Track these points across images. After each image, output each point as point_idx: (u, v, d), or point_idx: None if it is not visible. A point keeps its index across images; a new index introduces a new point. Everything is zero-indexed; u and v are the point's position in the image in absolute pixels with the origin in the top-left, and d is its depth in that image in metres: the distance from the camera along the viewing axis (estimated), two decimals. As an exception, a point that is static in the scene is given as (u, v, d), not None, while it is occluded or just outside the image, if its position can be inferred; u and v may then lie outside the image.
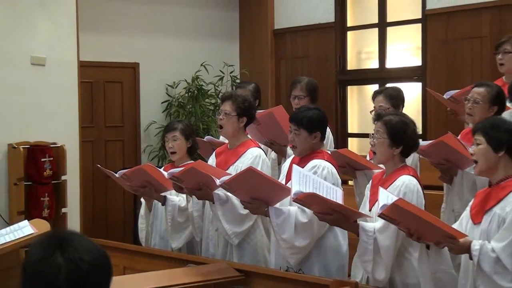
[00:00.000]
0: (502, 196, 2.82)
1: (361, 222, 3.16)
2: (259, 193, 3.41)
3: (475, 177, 3.61)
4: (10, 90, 5.54)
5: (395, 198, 2.84)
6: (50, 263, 1.40)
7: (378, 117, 3.32)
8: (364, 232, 3.10)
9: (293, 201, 3.16)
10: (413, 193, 3.13)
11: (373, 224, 3.14)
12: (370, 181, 3.46)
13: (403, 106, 4.37)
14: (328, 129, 4.08)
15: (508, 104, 4.11)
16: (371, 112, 4.08)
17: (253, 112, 4.02)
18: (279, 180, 3.69)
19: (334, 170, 3.53)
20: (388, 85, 4.98)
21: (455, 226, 2.97)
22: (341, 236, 3.53)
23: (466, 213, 3.01)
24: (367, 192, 3.41)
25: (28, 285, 1.43)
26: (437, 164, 3.76)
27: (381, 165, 3.44)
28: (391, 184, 3.17)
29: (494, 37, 5.49)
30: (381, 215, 2.87)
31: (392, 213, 2.82)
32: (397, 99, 4.29)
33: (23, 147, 5.50)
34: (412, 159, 3.93)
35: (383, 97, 4.27)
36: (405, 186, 3.13)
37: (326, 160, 3.53)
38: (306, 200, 3.10)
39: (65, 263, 1.40)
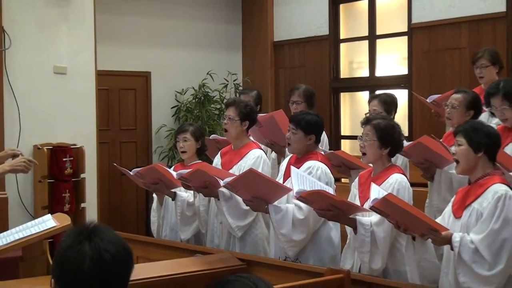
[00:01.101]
0: (480, 193, 2.82)
1: (358, 217, 3.15)
2: (259, 192, 3.41)
3: (452, 175, 3.63)
4: (35, 96, 5.55)
5: (385, 193, 2.85)
6: (77, 250, 1.42)
7: (366, 121, 3.32)
8: (361, 226, 3.10)
9: (297, 199, 3.15)
10: (405, 189, 3.15)
11: (369, 218, 3.13)
12: (356, 179, 3.46)
13: (395, 112, 4.36)
14: (324, 133, 4.09)
15: (485, 108, 4.12)
16: (366, 114, 4.09)
17: (255, 116, 4.02)
18: (277, 179, 3.69)
19: (328, 170, 3.54)
20: (380, 91, 4.97)
21: (438, 220, 2.97)
22: (333, 229, 3.54)
23: (448, 208, 3.01)
24: (354, 190, 3.41)
25: (57, 269, 1.44)
26: (417, 163, 3.78)
27: (370, 164, 3.45)
28: (383, 181, 3.17)
29: (472, 48, 5.50)
30: (372, 208, 2.88)
31: (382, 206, 2.83)
32: (390, 104, 4.29)
33: (46, 148, 5.50)
34: (402, 160, 3.95)
35: (377, 102, 4.27)
36: (398, 184, 3.15)
37: (320, 161, 3.55)
38: (310, 197, 3.09)
39: (91, 252, 1.41)
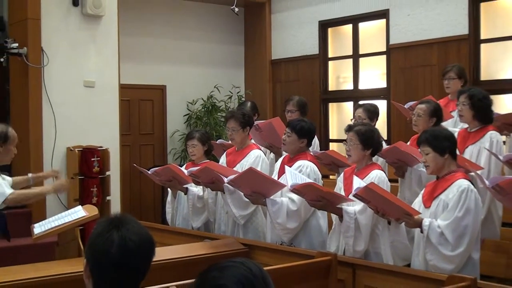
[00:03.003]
0: (446, 186, 2.86)
1: (343, 206, 3.15)
2: (258, 188, 3.42)
3: (420, 172, 3.66)
4: (68, 106, 5.57)
5: (365, 184, 2.87)
6: (106, 238, 1.41)
7: (349, 128, 3.33)
8: (347, 214, 3.11)
9: (291, 191, 3.16)
10: (383, 183, 3.16)
11: (353, 207, 3.14)
12: (342, 174, 3.47)
13: (376, 119, 4.35)
14: (315, 137, 4.12)
15: (453, 114, 4.16)
16: (351, 120, 4.09)
17: (252, 120, 4.04)
18: (273, 175, 3.68)
19: (316, 168, 3.55)
20: (364, 102, 5.00)
21: None
22: (322, 219, 3.55)
23: (419, 199, 3.04)
24: (340, 184, 3.42)
25: (89, 252, 1.44)
26: (392, 163, 3.80)
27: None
28: (365, 176, 3.18)
29: (441, 65, 5.53)
30: (355, 195, 2.89)
31: (365, 194, 2.85)
32: (373, 113, 4.30)
33: (77, 150, 5.51)
34: (382, 160, 3.96)
35: (362, 110, 4.28)
36: (378, 178, 3.16)
37: (309, 161, 3.56)
38: (302, 189, 3.11)
39: (118, 240, 1.40)
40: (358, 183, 2.91)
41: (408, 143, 3.93)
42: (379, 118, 4.55)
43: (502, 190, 2.35)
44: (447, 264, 2.75)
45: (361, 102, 4.70)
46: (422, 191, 3.06)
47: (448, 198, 2.82)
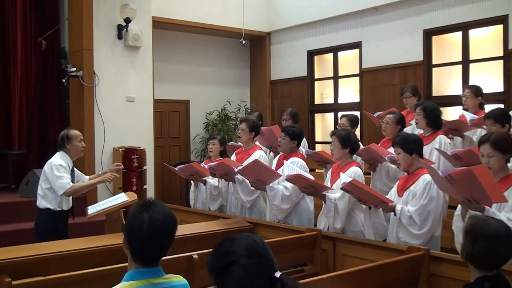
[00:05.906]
0: (415, 179, 2.85)
1: (327, 194, 3.17)
2: (260, 176, 3.44)
3: (388, 167, 3.65)
4: (114, 116, 5.58)
5: (351, 179, 2.89)
6: (138, 218, 1.39)
7: (332, 133, 3.35)
8: (328, 200, 3.13)
9: (286, 180, 3.18)
10: (359, 176, 3.16)
11: (334, 194, 3.15)
12: (330, 169, 3.49)
13: (357, 126, 4.36)
14: (304, 139, 4.13)
15: (411, 122, 4.16)
16: (337, 127, 4.07)
17: (259, 129, 4.04)
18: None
19: (304, 163, 3.55)
20: (344, 113, 4.97)
21: (387, 196, 2.97)
22: (309, 201, 3.55)
23: (394, 189, 3.02)
24: (328, 176, 3.45)
25: (126, 229, 1.43)
26: (366, 160, 3.81)
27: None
28: (346, 171, 3.19)
29: (401, 84, 5.49)
30: (342, 188, 2.91)
31: (349, 187, 2.87)
32: (354, 121, 4.29)
33: (121, 149, 5.52)
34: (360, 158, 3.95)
35: (346, 119, 4.27)
36: (355, 173, 3.16)
37: (300, 158, 3.56)
38: (294, 178, 3.14)
39: (147, 220, 1.38)
40: (344, 178, 2.92)
41: (379, 144, 3.93)
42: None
43: (452, 179, 2.36)
44: (415, 240, 2.74)
45: (344, 113, 4.68)
46: (397, 183, 3.04)
47: (416, 189, 2.81)
